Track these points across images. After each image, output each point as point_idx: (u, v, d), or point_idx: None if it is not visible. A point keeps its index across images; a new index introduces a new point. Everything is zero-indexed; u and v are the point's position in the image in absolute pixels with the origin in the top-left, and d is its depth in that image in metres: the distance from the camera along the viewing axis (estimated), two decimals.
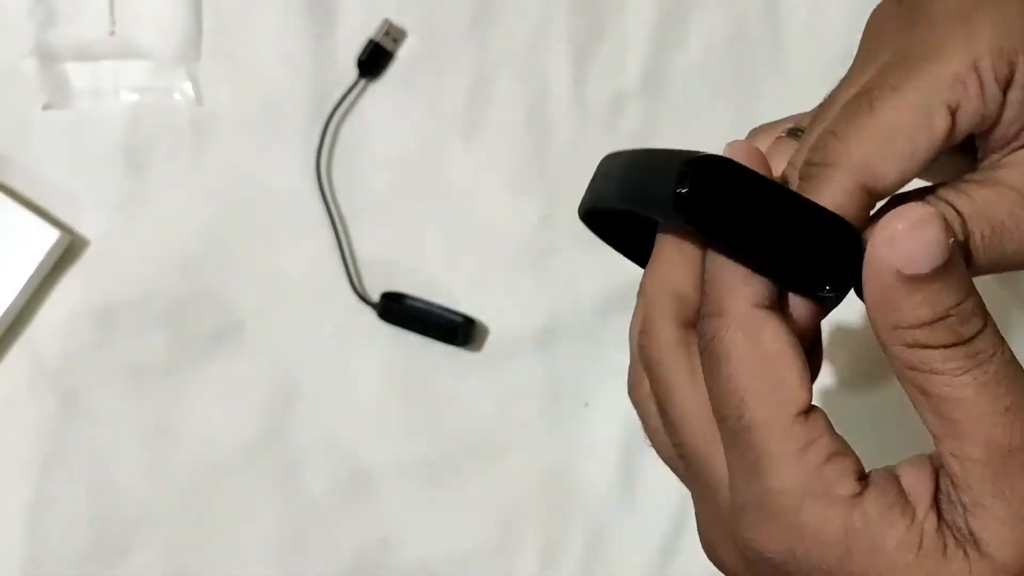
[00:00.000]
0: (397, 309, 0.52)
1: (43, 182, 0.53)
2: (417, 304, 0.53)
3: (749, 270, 0.25)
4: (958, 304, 0.23)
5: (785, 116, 0.54)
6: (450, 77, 0.54)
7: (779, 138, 0.31)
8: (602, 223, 0.31)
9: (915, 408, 0.25)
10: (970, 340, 0.23)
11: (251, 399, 0.53)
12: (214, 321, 0.53)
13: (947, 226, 0.23)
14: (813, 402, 0.25)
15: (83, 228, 0.53)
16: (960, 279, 0.23)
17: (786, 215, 0.25)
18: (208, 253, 0.53)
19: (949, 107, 0.25)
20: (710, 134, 0.54)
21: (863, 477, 0.24)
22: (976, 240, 0.25)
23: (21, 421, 0.52)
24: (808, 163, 0.26)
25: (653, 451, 0.49)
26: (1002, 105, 0.26)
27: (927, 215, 0.22)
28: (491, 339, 0.53)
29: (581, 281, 0.53)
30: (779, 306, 0.26)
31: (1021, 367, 0.24)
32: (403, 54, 0.54)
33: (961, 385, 0.23)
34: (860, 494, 0.24)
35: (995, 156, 0.27)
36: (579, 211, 0.30)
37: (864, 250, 0.24)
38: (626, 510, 0.52)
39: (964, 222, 0.25)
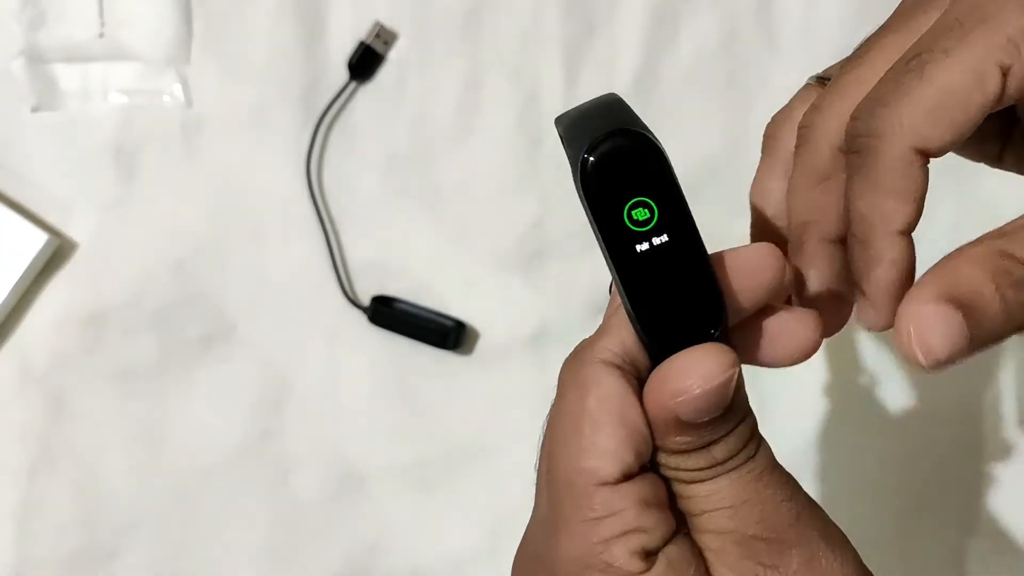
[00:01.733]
0: (387, 313, 0.52)
1: (31, 184, 0.53)
2: (408, 308, 0.52)
3: (621, 323, 0.25)
4: (720, 437, 0.24)
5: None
6: (441, 79, 0.54)
7: (807, 85, 0.31)
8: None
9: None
10: (723, 462, 0.24)
11: (241, 403, 0.52)
12: (204, 324, 0.53)
13: (733, 379, 0.23)
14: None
15: (72, 231, 0.53)
16: (729, 420, 0.24)
17: (674, 244, 0.24)
18: (198, 256, 0.53)
19: (1001, 68, 0.24)
20: (703, 136, 0.54)
21: (653, 554, 0.24)
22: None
23: (8, 425, 0.52)
24: (855, 135, 0.26)
25: None
26: None
27: (718, 378, 0.23)
28: (482, 343, 0.53)
29: (573, 285, 0.53)
30: (637, 366, 0.25)
31: (770, 473, 0.25)
32: (394, 56, 0.54)
33: (701, 486, 0.25)
34: (646, 571, 0.24)
35: None
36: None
37: (721, 326, 0.24)
38: None
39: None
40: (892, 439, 0.53)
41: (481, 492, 0.52)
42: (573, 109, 0.26)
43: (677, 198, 0.24)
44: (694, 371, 0.23)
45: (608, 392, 0.24)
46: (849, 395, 0.53)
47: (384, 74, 0.54)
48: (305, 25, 0.54)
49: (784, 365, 0.26)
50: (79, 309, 0.52)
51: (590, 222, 0.24)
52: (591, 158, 0.23)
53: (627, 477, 0.24)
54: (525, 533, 0.28)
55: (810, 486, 0.51)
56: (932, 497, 0.53)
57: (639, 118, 0.24)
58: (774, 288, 0.25)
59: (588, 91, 0.54)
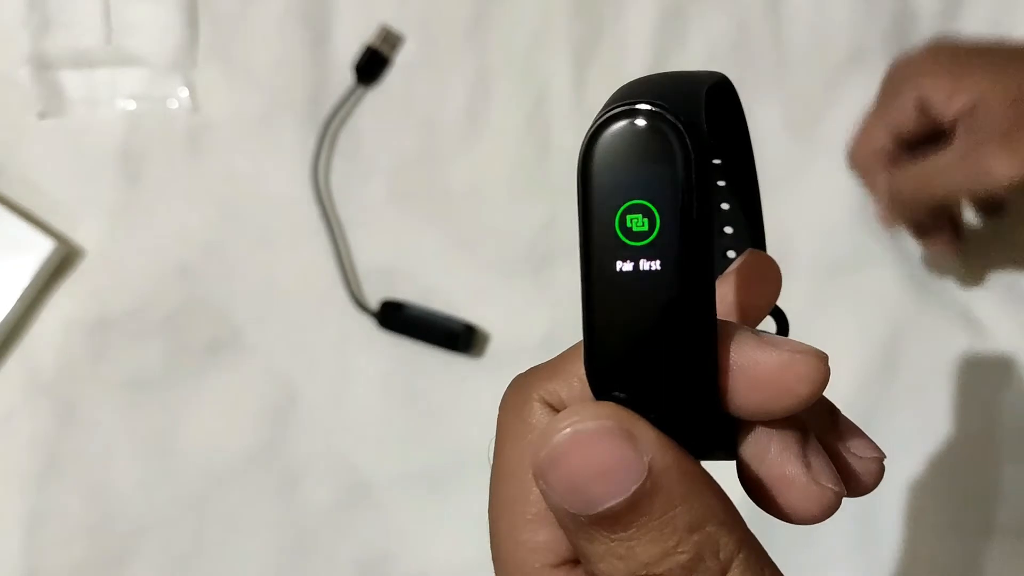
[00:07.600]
0: (397, 317, 0.52)
1: (38, 191, 0.53)
2: (417, 312, 0.52)
3: (577, 362, 0.19)
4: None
5: (789, 117, 0.54)
6: (448, 82, 0.53)
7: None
8: None
9: None
10: None
11: (249, 409, 0.52)
12: (211, 331, 0.52)
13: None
14: None
15: (79, 238, 0.53)
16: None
17: (665, 278, 0.18)
18: (205, 262, 0.53)
19: None
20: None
21: None
22: None
23: (17, 432, 0.52)
24: None
25: None
26: None
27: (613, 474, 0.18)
28: (492, 346, 0.52)
29: None
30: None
31: None
32: (400, 60, 0.54)
33: None
34: None
35: None
36: None
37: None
38: None
39: None
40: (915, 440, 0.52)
41: None
42: (658, 73, 0.21)
43: (685, 217, 0.17)
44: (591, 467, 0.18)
45: None
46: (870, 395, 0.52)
47: (390, 78, 0.54)
48: (311, 29, 0.53)
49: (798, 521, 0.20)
50: (86, 316, 0.52)
51: (578, 213, 0.18)
52: (596, 133, 0.18)
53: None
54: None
55: None
56: (953, 498, 0.52)
57: (700, 105, 0.19)
58: (796, 410, 0.19)
59: (597, 93, 0.53)
